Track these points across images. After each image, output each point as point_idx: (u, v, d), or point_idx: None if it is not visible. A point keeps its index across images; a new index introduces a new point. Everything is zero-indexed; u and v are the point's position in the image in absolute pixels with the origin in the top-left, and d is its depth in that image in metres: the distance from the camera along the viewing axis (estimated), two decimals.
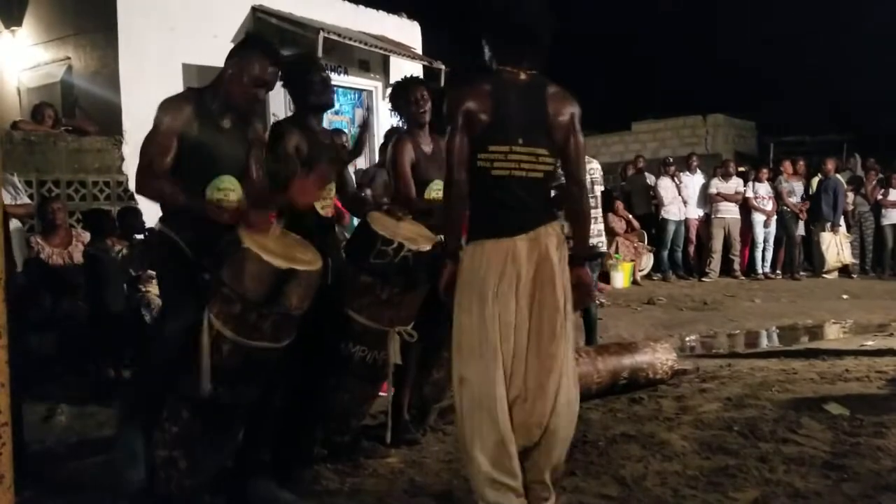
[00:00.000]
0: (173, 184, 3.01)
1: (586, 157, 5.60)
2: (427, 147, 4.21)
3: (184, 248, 3.09)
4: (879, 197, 11.93)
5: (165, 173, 3.02)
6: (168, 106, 3.08)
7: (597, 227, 6.27)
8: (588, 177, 5.97)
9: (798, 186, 12.13)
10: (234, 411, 3.09)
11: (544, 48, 2.98)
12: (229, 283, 2.90)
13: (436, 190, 4.22)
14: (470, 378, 2.82)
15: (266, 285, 2.88)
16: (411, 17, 11.41)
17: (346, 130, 9.01)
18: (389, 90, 4.39)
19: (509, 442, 2.78)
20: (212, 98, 3.18)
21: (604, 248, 6.41)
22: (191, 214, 3.05)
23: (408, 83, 4.43)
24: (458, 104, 2.86)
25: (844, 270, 11.92)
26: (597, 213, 6.32)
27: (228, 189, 3.16)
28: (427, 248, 3.58)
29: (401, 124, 4.39)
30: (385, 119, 10.38)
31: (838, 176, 12.02)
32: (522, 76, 2.93)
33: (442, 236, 4.10)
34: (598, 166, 6.42)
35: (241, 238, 2.91)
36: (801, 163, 12.70)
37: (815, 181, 12.15)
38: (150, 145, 3.04)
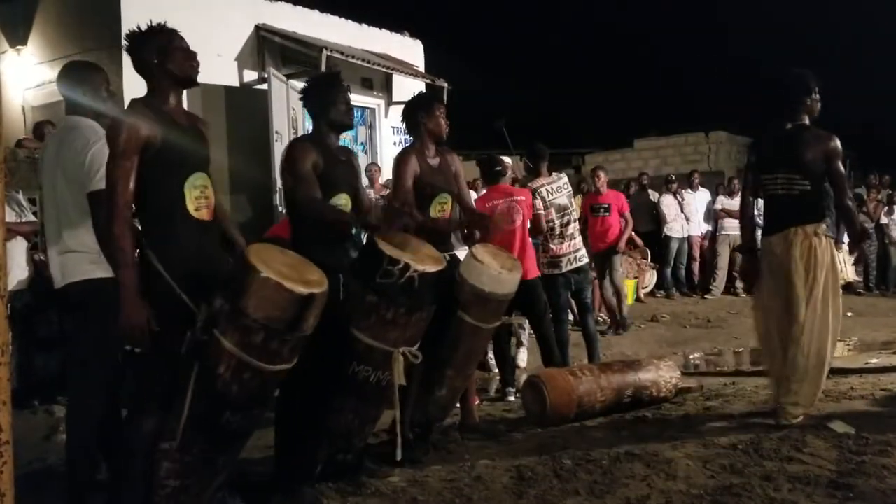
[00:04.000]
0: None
1: (555, 173, 5.88)
2: (433, 160, 4.23)
3: (174, 288, 2.96)
4: (884, 219, 11.90)
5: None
6: None
7: (575, 241, 6.23)
8: (563, 192, 6.08)
9: None
10: (248, 431, 3.10)
11: (798, 107, 4.37)
12: (251, 314, 2.83)
13: (441, 203, 4.23)
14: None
15: (289, 313, 2.87)
16: (414, 35, 11.48)
17: (350, 148, 9.05)
18: (406, 105, 4.39)
19: None
20: None
21: (585, 261, 6.34)
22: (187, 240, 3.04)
23: (430, 98, 4.50)
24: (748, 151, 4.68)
25: (848, 288, 11.88)
26: (575, 227, 6.29)
27: (203, 185, 3.15)
28: (433, 269, 3.53)
29: (404, 142, 4.43)
30: (387, 137, 10.45)
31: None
32: (788, 125, 4.38)
33: (448, 255, 4.12)
34: (566, 180, 6.40)
35: (257, 266, 2.86)
36: None
37: None
38: None
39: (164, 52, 3.11)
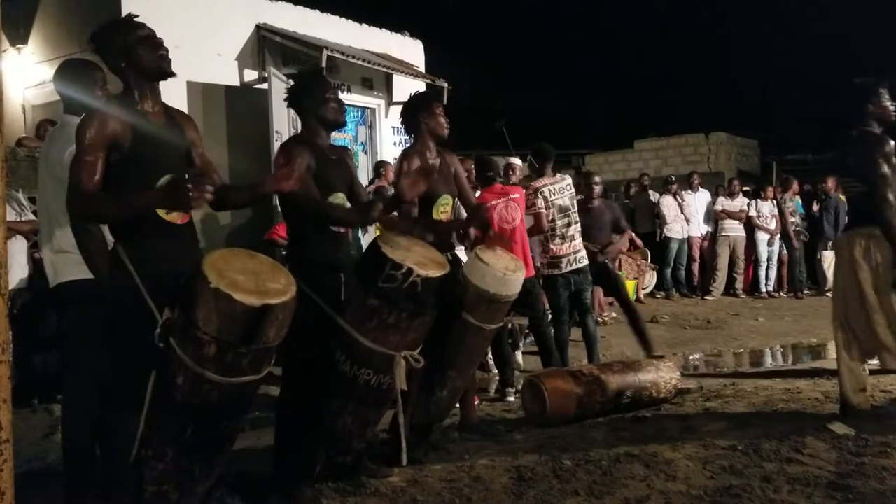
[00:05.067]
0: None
1: (559, 174, 5.85)
2: (434, 162, 4.20)
3: (140, 289, 2.83)
4: None
5: None
6: None
7: (576, 242, 6.22)
8: (566, 193, 6.04)
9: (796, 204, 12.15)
10: (223, 442, 2.99)
11: (862, 113, 4.52)
12: (201, 326, 2.68)
13: (443, 205, 4.21)
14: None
15: (241, 325, 2.69)
16: (414, 35, 11.47)
17: (350, 148, 9.04)
18: (404, 105, 4.34)
19: None
20: None
21: (585, 262, 6.33)
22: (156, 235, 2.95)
23: (430, 97, 4.46)
24: None
25: None
26: (576, 229, 6.27)
27: None
28: (437, 274, 3.46)
29: (404, 142, 4.40)
30: (387, 137, 10.44)
31: (840, 195, 12.01)
32: (854, 132, 4.56)
33: (450, 255, 4.11)
34: (569, 181, 6.37)
35: (207, 275, 2.69)
36: (796, 183, 12.59)
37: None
38: None
39: (127, 49, 2.95)
